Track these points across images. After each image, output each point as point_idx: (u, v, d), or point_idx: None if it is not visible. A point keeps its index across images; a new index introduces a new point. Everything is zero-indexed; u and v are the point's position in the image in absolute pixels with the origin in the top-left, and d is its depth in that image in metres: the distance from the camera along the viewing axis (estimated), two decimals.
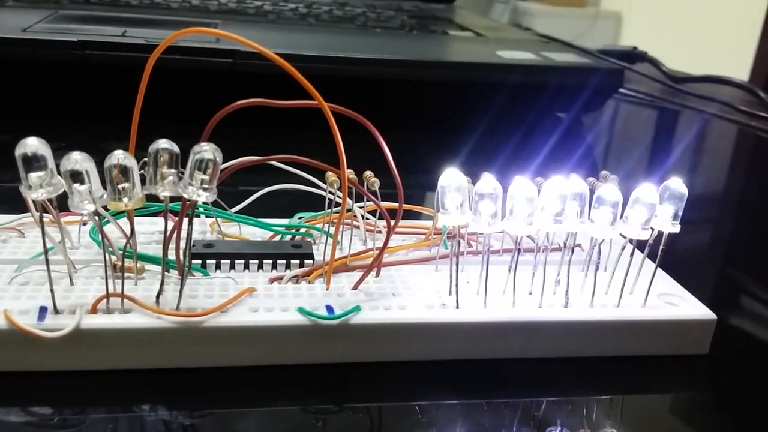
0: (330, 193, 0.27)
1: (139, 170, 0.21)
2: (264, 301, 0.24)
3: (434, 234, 0.29)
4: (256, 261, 0.26)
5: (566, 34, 0.76)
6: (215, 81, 0.47)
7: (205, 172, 0.21)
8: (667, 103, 0.68)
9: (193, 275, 0.25)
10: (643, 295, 0.26)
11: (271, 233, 0.29)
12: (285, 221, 0.30)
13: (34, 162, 0.20)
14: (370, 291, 0.25)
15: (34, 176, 0.20)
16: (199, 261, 0.26)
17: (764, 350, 0.28)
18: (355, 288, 0.25)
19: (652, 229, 0.25)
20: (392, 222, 0.26)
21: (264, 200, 0.31)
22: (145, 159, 0.21)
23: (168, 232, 0.23)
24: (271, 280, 0.25)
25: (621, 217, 0.24)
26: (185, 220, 0.23)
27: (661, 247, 0.25)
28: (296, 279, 0.26)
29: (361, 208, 0.29)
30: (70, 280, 0.24)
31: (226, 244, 0.27)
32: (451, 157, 0.48)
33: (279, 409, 0.22)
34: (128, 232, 0.23)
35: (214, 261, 0.26)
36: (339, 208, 0.26)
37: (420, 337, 0.24)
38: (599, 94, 0.56)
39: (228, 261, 0.26)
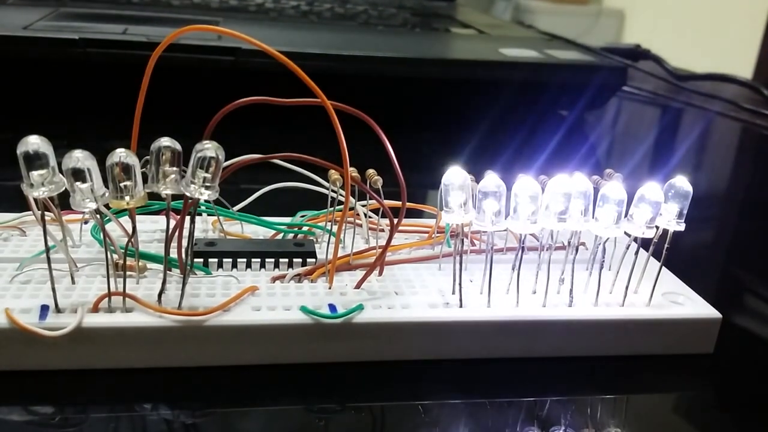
0: (332, 191, 0.27)
1: (141, 168, 0.21)
2: (266, 300, 0.24)
3: (437, 232, 0.29)
4: (259, 259, 0.26)
5: (569, 31, 0.75)
6: (217, 79, 0.47)
7: (207, 170, 0.21)
8: (671, 101, 0.68)
9: (195, 274, 0.25)
10: (648, 294, 0.26)
11: (274, 231, 0.29)
12: (287, 219, 0.30)
13: (35, 160, 0.20)
14: (373, 290, 0.25)
15: (35, 174, 0.20)
16: (201, 259, 0.26)
17: None
18: (357, 287, 0.25)
19: (657, 228, 0.25)
20: (395, 220, 0.26)
21: (266, 198, 0.31)
22: (147, 157, 0.21)
23: (170, 231, 0.23)
24: (274, 279, 0.25)
25: (626, 216, 0.24)
26: (187, 219, 0.23)
27: (665, 245, 0.25)
28: (299, 278, 0.25)
29: (363, 206, 0.29)
30: (72, 278, 0.24)
31: (228, 242, 0.27)
32: (455, 155, 0.48)
33: (281, 409, 0.22)
34: (130, 231, 0.23)
35: (216, 259, 0.26)
36: (342, 206, 0.26)
37: (423, 336, 0.24)
38: (603, 92, 0.56)
39: (230, 259, 0.26)
